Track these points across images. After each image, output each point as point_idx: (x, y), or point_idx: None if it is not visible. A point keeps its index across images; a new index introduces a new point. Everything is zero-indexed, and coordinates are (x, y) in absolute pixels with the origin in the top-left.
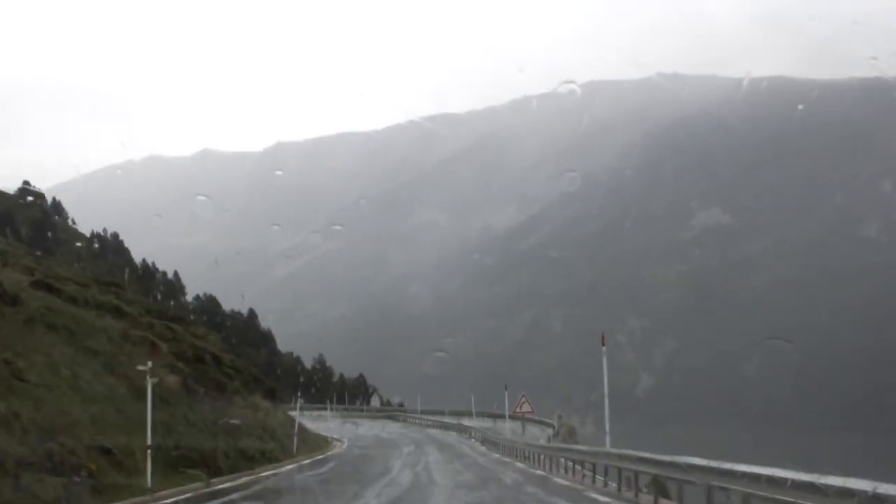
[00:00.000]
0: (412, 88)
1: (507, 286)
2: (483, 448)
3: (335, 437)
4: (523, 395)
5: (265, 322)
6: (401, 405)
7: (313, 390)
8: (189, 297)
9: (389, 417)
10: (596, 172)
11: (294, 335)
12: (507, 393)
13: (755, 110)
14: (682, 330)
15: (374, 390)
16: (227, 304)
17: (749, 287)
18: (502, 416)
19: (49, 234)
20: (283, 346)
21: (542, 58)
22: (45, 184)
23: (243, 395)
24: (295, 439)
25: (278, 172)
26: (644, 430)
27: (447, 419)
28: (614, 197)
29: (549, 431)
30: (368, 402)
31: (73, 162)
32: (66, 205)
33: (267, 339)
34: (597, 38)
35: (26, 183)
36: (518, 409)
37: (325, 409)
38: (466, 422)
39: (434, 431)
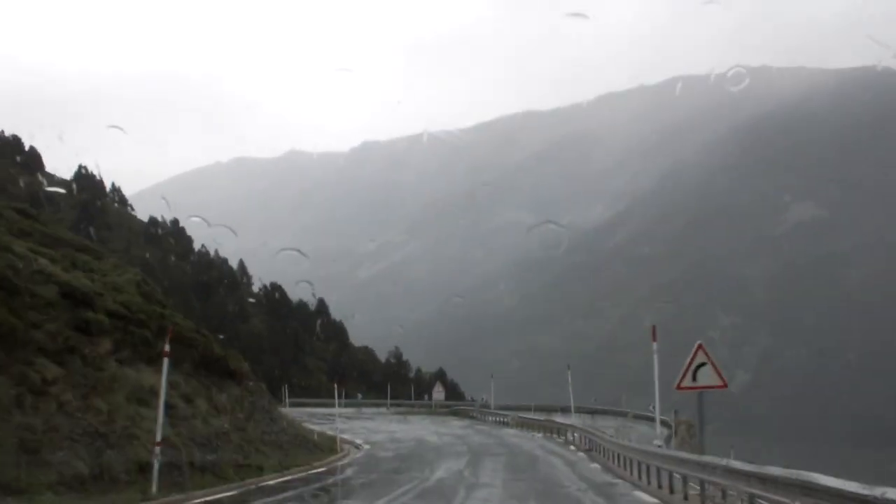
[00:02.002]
0: (496, 87)
1: (593, 284)
2: (590, 463)
3: (360, 440)
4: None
5: (350, 324)
6: (485, 405)
7: (387, 385)
8: (255, 288)
9: (454, 413)
10: (683, 168)
11: (379, 336)
12: (569, 372)
13: (847, 102)
14: (776, 327)
15: (437, 381)
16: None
17: (844, 283)
18: (604, 412)
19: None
20: (370, 346)
21: (627, 54)
22: (136, 186)
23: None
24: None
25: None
26: (736, 427)
27: (532, 415)
28: (703, 192)
29: (663, 431)
30: (430, 396)
31: (163, 164)
32: (155, 206)
33: (338, 332)
34: (682, 33)
35: (83, 168)
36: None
37: (383, 404)
38: (559, 418)
39: (510, 432)
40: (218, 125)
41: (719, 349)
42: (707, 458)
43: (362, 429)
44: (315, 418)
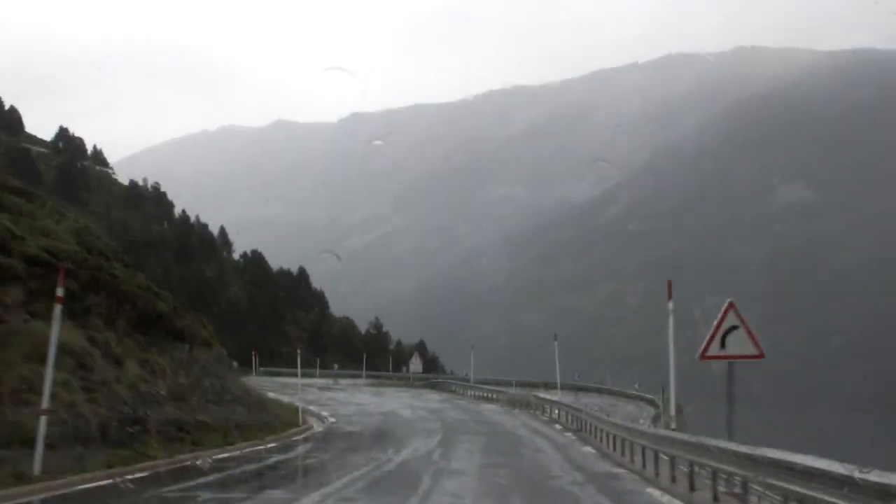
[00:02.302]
0: (487, 61)
1: (582, 260)
2: (581, 446)
3: (326, 413)
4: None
5: (334, 293)
6: (465, 379)
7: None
8: (237, 256)
9: (432, 386)
10: (675, 146)
11: (366, 308)
12: (556, 343)
13: (839, 84)
14: (763, 308)
15: (414, 353)
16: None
17: (833, 264)
18: (586, 389)
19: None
20: (355, 319)
21: (620, 30)
22: (124, 153)
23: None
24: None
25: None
26: (714, 408)
27: (514, 391)
28: (693, 171)
29: (650, 410)
30: (408, 368)
31: (151, 131)
32: (142, 173)
33: (318, 300)
34: (676, 11)
35: (63, 129)
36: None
37: (359, 375)
38: (543, 394)
39: (490, 408)
40: (206, 93)
41: (704, 329)
42: (747, 449)
43: (331, 400)
44: (287, 388)
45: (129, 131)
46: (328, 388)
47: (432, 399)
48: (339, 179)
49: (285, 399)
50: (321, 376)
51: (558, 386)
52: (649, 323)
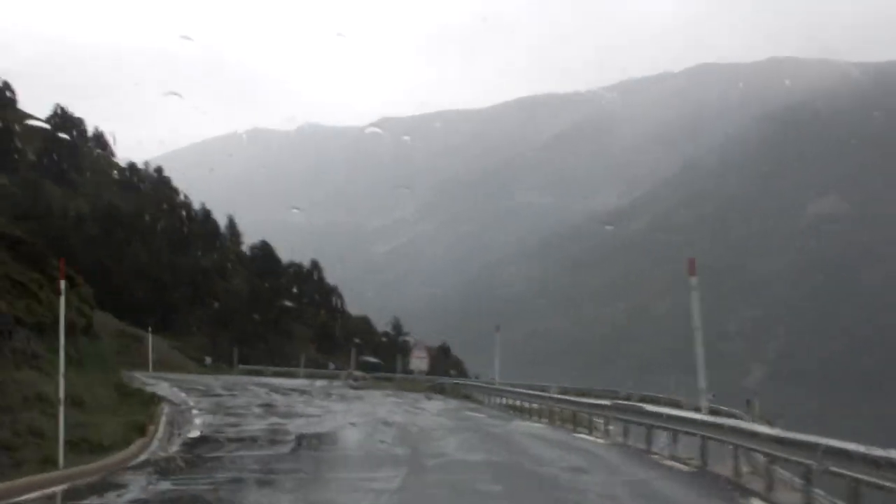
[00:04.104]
0: (517, 68)
1: (608, 270)
2: None
3: (200, 430)
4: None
5: (357, 296)
6: (489, 382)
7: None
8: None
9: (438, 390)
10: (705, 156)
11: (388, 312)
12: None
13: (872, 94)
14: (796, 322)
15: (416, 344)
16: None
17: (867, 278)
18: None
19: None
20: (376, 322)
21: (652, 40)
22: (152, 154)
23: None
24: None
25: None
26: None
27: (558, 406)
28: (723, 182)
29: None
30: (406, 366)
31: (181, 134)
32: (171, 173)
33: (332, 296)
34: (709, 21)
35: (61, 109)
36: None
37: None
38: (650, 408)
39: (535, 431)
40: (236, 96)
41: (737, 342)
42: None
43: (266, 407)
44: (236, 388)
45: (160, 134)
46: (295, 391)
47: (431, 409)
48: (366, 184)
49: (191, 403)
50: (313, 376)
51: (623, 398)
52: (678, 335)
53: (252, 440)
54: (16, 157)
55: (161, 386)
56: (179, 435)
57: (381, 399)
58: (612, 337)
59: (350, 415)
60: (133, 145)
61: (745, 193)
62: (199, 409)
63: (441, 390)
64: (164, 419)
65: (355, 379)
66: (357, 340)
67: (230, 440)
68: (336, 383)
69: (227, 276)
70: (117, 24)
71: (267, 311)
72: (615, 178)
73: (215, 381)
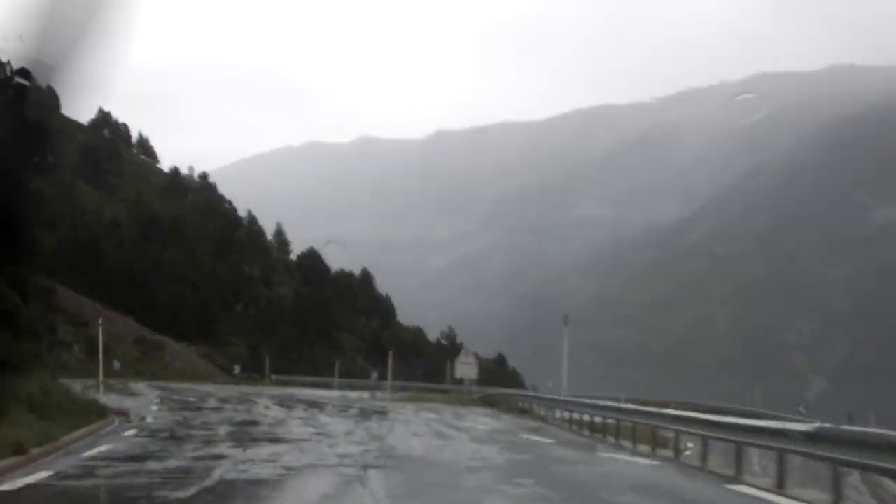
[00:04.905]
0: (574, 79)
1: (668, 282)
2: None
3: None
4: None
5: (412, 309)
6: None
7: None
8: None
9: (488, 403)
10: (765, 167)
11: (446, 324)
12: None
13: None
14: (857, 332)
15: (463, 350)
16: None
17: None
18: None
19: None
20: (432, 334)
21: (710, 49)
22: (208, 166)
23: None
24: None
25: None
26: None
27: (634, 418)
28: (784, 193)
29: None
30: (453, 374)
31: (236, 148)
32: (227, 187)
33: (383, 308)
34: (768, 30)
35: (104, 114)
36: None
37: (408, 387)
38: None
39: (647, 474)
40: (290, 109)
41: (796, 354)
42: None
43: (231, 428)
44: (237, 404)
45: (214, 147)
46: (315, 405)
47: (473, 428)
48: (424, 197)
49: (150, 420)
50: (354, 387)
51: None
52: (739, 346)
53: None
54: (52, 160)
55: (145, 397)
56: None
57: (410, 415)
58: (673, 348)
59: (348, 441)
60: (186, 158)
61: (806, 203)
62: (140, 430)
63: (492, 403)
64: (72, 437)
65: (400, 390)
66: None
67: (111, 475)
68: (379, 394)
69: (273, 284)
70: (174, 38)
71: (312, 321)
72: (675, 188)
73: (221, 393)
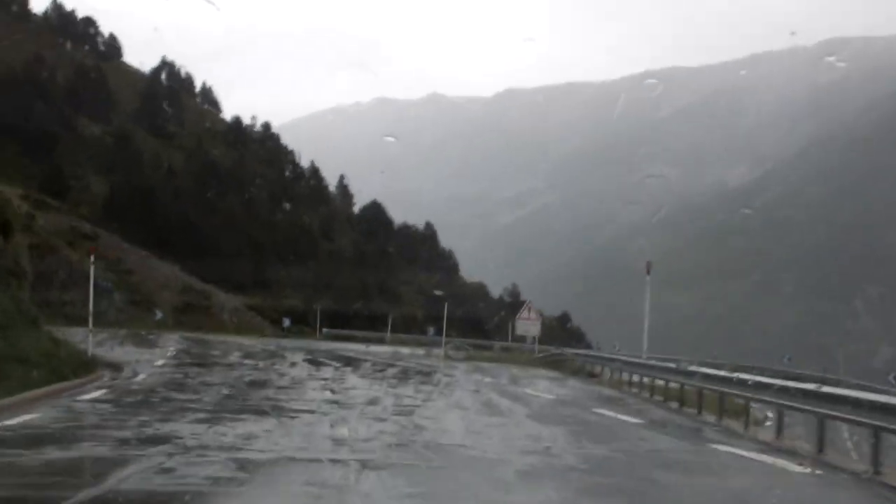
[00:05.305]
0: (644, 41)
1: (734, 245)
2: None
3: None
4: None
5: (477, 266)
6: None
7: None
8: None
9: (552, 364)
10: (835, 132)
11: (510, 281)
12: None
13: None
14: None
15: (526, 305)
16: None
17: None
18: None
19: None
20: (496, 290)
21: (782, 13)
22: (276, 121)
23: None
24: None
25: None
26: None
27: (710, 384)
28: (853, 158)
29: None
30: (512, 332)
31: (303, 102)
32: (295, 142)
33: (446, 263)
34: None
35: (167, 63)
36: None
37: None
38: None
39: None
40: (359, 66)
41: (864, 321)
42: None
43: (226, 390)
44: (267, 359)
45: (284, 102)
46: (353, 362)
47: (533, 398)
48: (492, 154)
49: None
50: (400, 343)
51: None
52: (805, 313)
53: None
54: (110, 107)
55: (162, 349)
56: None
57: (460, 376)
58: (736, 312)
59: (362, 416)
60: (251, 113)
61: (875, 168)
62: (110, 391)
63: (556, 364)
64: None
65: (456, 348)
66: (439, 293)
67: None
68: (435, 351)
69: (333, 236)
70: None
71: (372, 273)
72: (743, 152)
73: (257, 347)
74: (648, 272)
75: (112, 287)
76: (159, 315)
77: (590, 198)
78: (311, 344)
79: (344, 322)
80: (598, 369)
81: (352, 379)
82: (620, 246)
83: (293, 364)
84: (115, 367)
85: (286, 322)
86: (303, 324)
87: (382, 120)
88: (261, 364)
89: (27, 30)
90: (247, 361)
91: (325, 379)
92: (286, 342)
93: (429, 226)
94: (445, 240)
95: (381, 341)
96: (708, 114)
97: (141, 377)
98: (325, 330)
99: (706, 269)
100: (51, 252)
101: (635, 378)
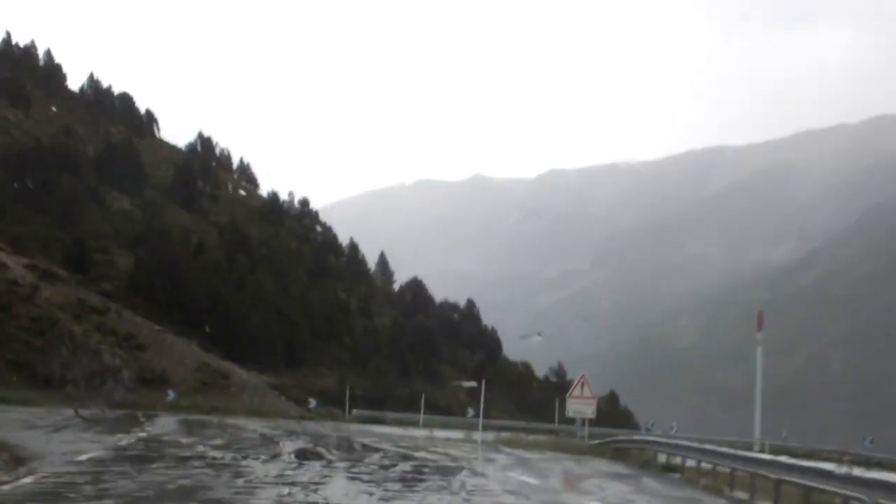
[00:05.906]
0: (687, 120)
1: (781, 323)
2: None
3: None
4: None
5: (522, 347)
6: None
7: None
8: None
9: (617, 455)
10: (882, 209)
11: (554, 361)
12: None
13: None
14: None
15: (581, 381)
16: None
17: None
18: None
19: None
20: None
21: (827, 91)
22: (315, 203)
23: None
24: None
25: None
26: None
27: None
28: None
29: None
30: (560, 413)
31: (346, 184)
32: (336, 222)
33: (489, 341)
34: (887, 71)
35: (204, 138)
36: None
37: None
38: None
39: None
40: (403, 147)
41: None
42: None
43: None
44: (252, 449)
45: (327, 183)
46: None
47: None
48: (536, 235)
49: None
50: (447, 426)
51: None
52: (856, 391)
53: None
54: (142, 181)
55: (124, 435)
56: None
57: (493, 476)
58: (785, 391)
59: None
60: (292, 191)
61: None
62: None
63: (620, 453)
64: None
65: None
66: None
67: None
68: (476, 436)
69: (371, 314)
70: (288, 74)
71: (411, 351)
72: (788, 230)
73: (266, 430)
74: (760, 327)
75: (119, 364)
76: (171, 395)
77: (633, 277)
78: (334, 428)
79: (378, 403)
80: (677, 460)
81: (336, 483)
82: (664, 325)
83: (274, 457)
84: (15, 460)
85: (312, 403)
86: (335, 405)
87: (425, 200)
88: (228, 458)
89: (61, 105)
90: (212, 454)
91: (294, 483)
92: (302, 426)
93: (470, 303)
94: (488, 318)
95: (415, 423)
96: (752, 192)
97: (26, 480)
98: (354, 412)
99: (752, 348)
100: (52, 326)
101: (738, 473)
